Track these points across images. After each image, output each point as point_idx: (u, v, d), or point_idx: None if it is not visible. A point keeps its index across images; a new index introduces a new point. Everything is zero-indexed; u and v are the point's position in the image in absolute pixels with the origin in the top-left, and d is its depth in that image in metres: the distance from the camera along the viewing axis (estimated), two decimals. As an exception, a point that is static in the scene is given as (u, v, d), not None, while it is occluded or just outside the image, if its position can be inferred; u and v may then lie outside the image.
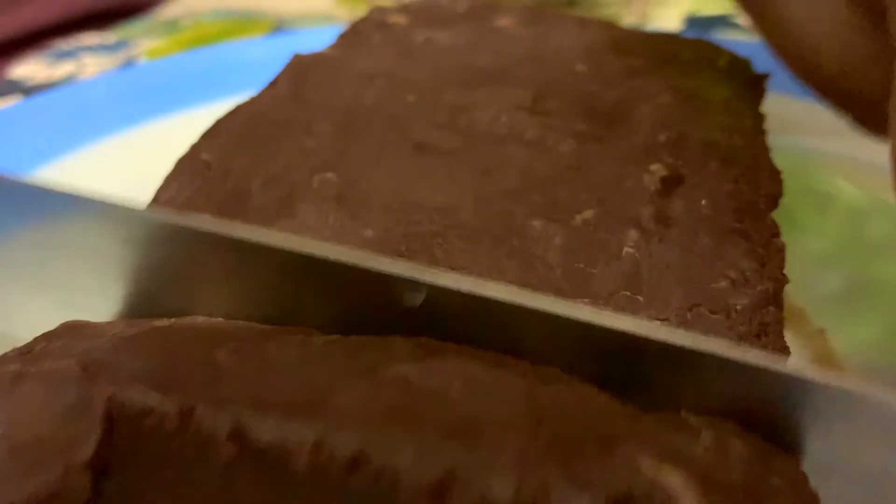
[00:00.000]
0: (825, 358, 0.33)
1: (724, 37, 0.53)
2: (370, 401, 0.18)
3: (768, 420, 0.21)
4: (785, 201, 0.41)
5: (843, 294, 0.36)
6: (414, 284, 0.22)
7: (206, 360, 0.19)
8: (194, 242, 0.23)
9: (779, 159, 0.35)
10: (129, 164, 0.40)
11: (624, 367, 0.21)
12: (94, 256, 0.25)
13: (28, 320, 0.26)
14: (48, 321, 0.24)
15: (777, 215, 0.33)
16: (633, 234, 0.26)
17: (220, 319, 0.24)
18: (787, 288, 0.35)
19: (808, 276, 0.36)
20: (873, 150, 0.42)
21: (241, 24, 0.65)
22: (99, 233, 0.24)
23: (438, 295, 0.22)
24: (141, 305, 0.25)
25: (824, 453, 0.21)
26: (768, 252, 0.26)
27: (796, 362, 0.23)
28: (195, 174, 0.30)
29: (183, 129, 0.34)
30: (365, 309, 0.23)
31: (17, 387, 0.19)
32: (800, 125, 0.42)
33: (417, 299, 0.22)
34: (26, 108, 0.44)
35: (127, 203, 0.24)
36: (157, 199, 0.30)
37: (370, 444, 0.17)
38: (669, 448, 0.18)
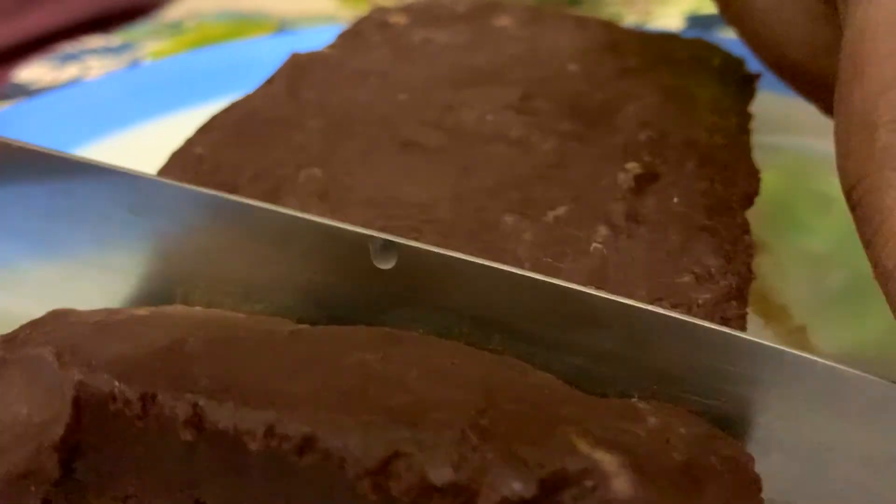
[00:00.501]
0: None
1: (725, 35, 0.53)
2: (324, 388, 0.19)
3: (716, 388, 0.22)
4: (785, 201, 0.41)
5: (843, 294, 0.36)
6: (386, 246, 0.24)
7: (174, 348, 0.21)
8: (195, 208, 0.26)
9: (779, 159, 0.35)
10: (132, 161, 0.42)
11: (581, 331, 0.23)
12: (100, 223, 0.26)
13: (32, 292, 0.28)
14: (52, 294, 0.26)
15: (777, 215, 0.34)
16: (602, 230, 0.27)
17: (198, 309, 0.25)
18: (772, 286, 0.35)
19: (806, 276, 0.37)
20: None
21: (245, 25, 0.66)
22: (106, 200, 0.26)
23: (409, 257, 0.24)
24: (138, 277, 0.27)
25: (772, 424, 0.22)
26: (735, 248, 0.27)
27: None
28: (187, 167, 0.31)
29: (185, 128, 0.35)
30: (340, 271, 0.25)
31: (0, 372, 0.21)
32: (800, 125, 0.42)
33: (390, 261, 0.24)
34: (30, 107, 0.45)
35: (136, 171, 0.26)
36: None
37: (318, 428, 0.18)
38: (611, 431, 0.19)
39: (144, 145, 0.42)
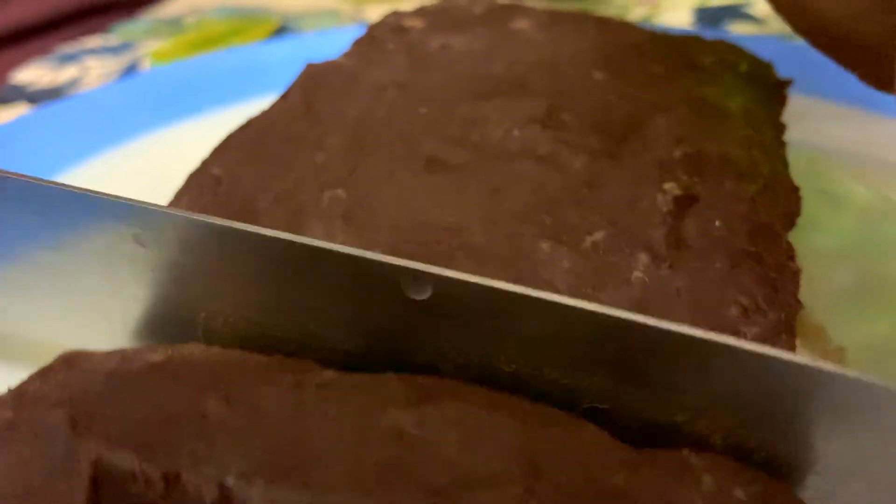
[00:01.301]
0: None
1: (738, 31, 0.52)
2: (359, 462, 0.18)
3: (778, 416, 0.20)
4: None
5: (854, 292, 0.35)
6: (419, 276, 0.23)
7: (196, 411, 0.19)
8: (207, 238, 0.24)
9: (790, 157, 0.34)
10: (142, 171, 0.40)
11: (627, 358, 0.22)
12: (107, 254, 0.25)
13: (42, 324, 0.27)
14: (63, 327, 0.25)
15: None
16: (643, 257, 0.26)
17: (216, 349, 0.24)
18: (805, 301, 0.34)
19: (818, 275, 0.36)
20: (884, 149, 0.41)
21: (246, 22, 0.65)
22: (111, 231, 0.25)
23: (445, 288, 0.22)
24: (152, 306, 0.26)
25: (837, 456, 0.21)
26: (782, 277, 0.26)
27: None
28: (205, 189, 0.30)
29: (195, 136, 0.34)
30: (372, 302, 0.24)
31: (9, 436, 0.19)
32: (810, 123, 0.41)
33: (424, 292, 0.23)
34: (34, 119, 0.44)
35: (139, 202, 0.24)
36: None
37: None
38: (669, 500, 0.17)
39: (156, 154, 0.42)
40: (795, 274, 0.26)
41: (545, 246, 0.26)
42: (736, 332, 0.24)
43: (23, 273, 0.27)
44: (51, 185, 0.25)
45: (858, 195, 0.39)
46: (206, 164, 0.32)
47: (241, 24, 0.64)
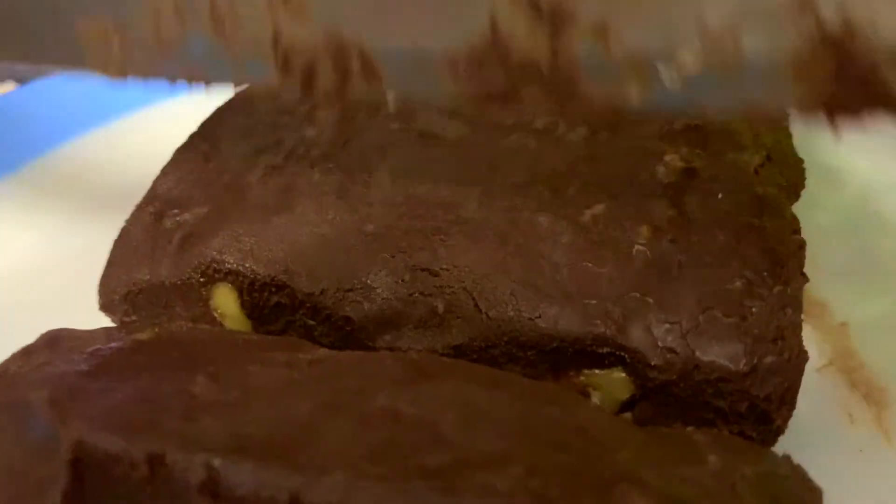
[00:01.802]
0: (846, 353, 0.31)
1: None
2: (352, 443, 0.17)
3: None
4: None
5: (855, 268, 0.35)
6: None
7: (183, 390, 0.18)
8: None
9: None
10: (132, 148, 0.40)
11: None
12: None
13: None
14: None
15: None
16: (644, 231, 0.25)
17: (205, 328, 0.23)
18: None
19: (820, 251, 0.35)
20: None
21: None
22: None
23: None
24: None
25: None
26: (787, 249, 0.25)
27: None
28: (192, 166, 0.29)
29: (186, 113, 0.33)
30: None
31: None
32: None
33: None
34: (22, 96, 0.43)
35: None
36: (155, 191, 0.29)
37: (350, 496, 0.16)
38: (674, 482, 0.17)
39: (145, 132, 0.41)
40: (801, 247, 0.25)
41: (543, 220, 0.26)
42: (740, 308, 0.23)
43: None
44: None
45: (858, 169, 0.39)
46: (193, 139, 0.31)
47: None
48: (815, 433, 0.27)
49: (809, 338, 0.23)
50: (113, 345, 0.21)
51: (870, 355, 0.31)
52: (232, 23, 0.23)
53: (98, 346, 0.21)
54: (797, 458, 0.20)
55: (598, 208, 0.26)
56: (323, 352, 0.21)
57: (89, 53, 0.25)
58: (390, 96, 0.23)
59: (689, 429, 0.20)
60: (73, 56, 0.26)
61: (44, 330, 0.22)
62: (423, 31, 0.22)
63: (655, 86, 0.20)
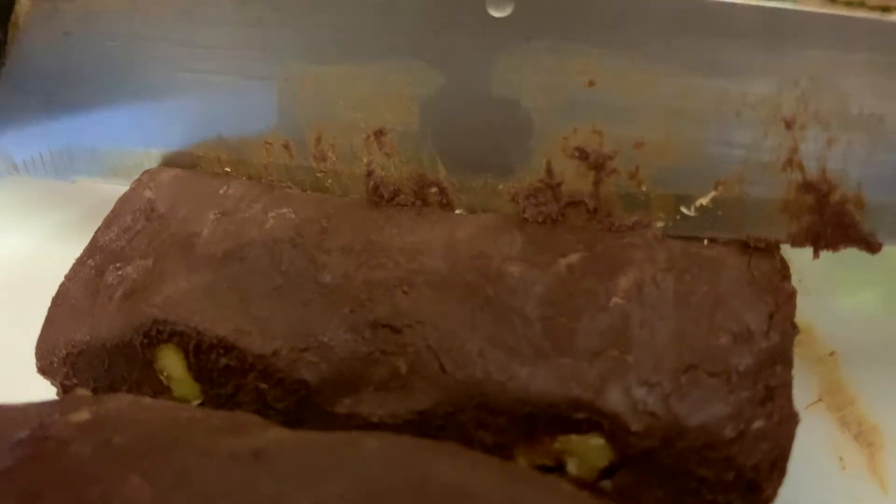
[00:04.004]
0: (835, 387, 0.30)
1: None
2: None
3: None
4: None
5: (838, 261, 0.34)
6: None
7: (113, 493, 0.17)
8: None
9: None
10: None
11: None
12: None
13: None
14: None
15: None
16: (623, 281, 0.23)
17: (146, 401, 0.21)
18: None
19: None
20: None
21: None
22: None
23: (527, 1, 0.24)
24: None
25: None
26: (776, 299, 0.23)
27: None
28: (137, 215, 0.27)
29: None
30: (453, 20, 0.25)
31: None
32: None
33: (506, 8, 0.24)
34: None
35: None
36: (96, 243, 0.27)
37: None
38: None
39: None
40: (791, 296, 0.23)
41: (514, 269, 0.24)
42: (726, 366, 0.22)
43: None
44: None
45: None
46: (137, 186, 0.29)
47: None
48: (805, 482, 0.26)
49: (796, 369, 0.22)
50: (44, 431, 0.19)
51: (860, 388, 0.29)
52: (332, 158, 0.28)
53: (27, 431, 0.19)
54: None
55: (574, 257, 0.24)
56: (271, 435, 0.19)
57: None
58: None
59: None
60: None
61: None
62: (493, 170, 0.26)
63: (675, 215, 0.25)
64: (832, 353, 0.31)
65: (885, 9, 0.22)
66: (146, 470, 0.17)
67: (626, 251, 0.24)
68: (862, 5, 0.22)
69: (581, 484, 0.22)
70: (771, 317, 0.23)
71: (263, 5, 0.26)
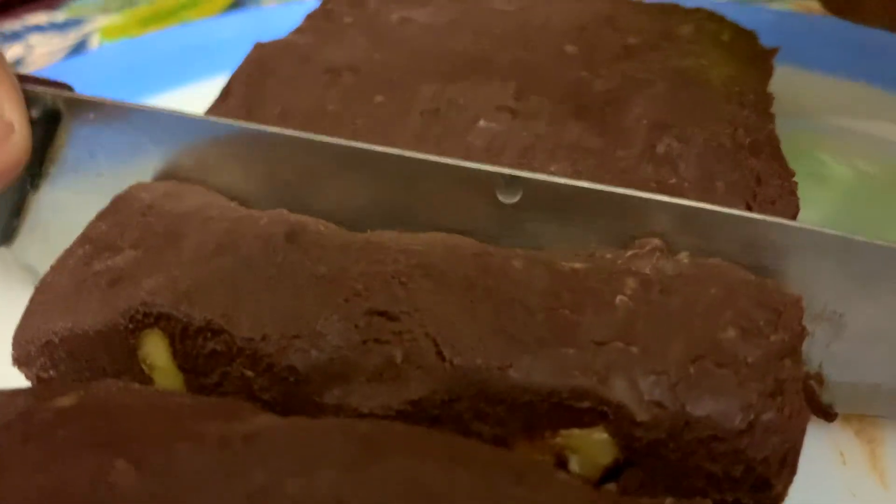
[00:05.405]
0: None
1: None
2: None
3: None
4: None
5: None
6: (512, 180, 0.25)
7: (101, 480, 0.16)
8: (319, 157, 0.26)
9: None
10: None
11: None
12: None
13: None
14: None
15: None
16: (630, 282, 0.23)
17: (134, 387, 0.20)
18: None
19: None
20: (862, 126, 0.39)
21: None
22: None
23: (534, 191, 0.25)
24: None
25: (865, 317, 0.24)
26: (785, 301, 0.22)
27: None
28: (132, 210, 0.27)
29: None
30: (464, 208, 0.25)
31: None
32: (791, 102, 0.38)
33: (515, 195, 0.25)
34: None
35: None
36: (87, 234, 0.26)
37: None
38: None
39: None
40: (798, 300, 0.23)
41: (517, 264, 0.23)
42: (734, 358, 0.21)
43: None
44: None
45: (841, 175, 0.38)
46: (133, 189, 0.28)
47: (194, -1, 0.60)
48: (806, 476, 0.25)
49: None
50: (32, 416, 0.18)
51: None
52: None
53: (13, 415, 0.18)
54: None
55: (578, 263, 0.23)
56: (262, 420, 0.18)
57: None
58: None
59: (669, 499, 0.17)
60: None
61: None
62: None
63: None
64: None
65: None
66: (133, 455, 0.16)
67: (633, 261, 0.23)
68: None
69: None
70: (779, 315, 0.22)
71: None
